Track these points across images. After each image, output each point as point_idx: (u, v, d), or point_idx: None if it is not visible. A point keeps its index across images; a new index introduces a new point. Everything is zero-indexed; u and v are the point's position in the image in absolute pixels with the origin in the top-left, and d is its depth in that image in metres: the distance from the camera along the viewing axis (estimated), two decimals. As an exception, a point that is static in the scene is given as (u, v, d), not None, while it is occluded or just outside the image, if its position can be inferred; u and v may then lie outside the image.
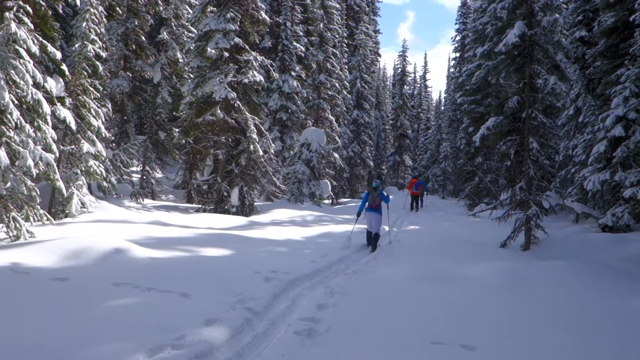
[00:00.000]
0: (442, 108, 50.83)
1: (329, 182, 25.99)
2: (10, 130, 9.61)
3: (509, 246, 11.96)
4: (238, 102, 18.00)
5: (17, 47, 9.60)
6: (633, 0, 13.26)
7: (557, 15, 11.91)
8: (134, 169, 21.23)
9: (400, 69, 53.12)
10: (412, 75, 60.84)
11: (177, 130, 20.24)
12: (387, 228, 15.05)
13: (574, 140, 15.87)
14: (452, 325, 5.62)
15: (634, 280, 8.38)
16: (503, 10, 12.72)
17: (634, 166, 11.66)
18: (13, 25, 9.46)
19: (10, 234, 9.72)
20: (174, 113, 22.55)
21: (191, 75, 20.40)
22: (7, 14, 9.65)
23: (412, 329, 5.47)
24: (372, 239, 11.87)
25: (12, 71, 9.47)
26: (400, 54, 54.00)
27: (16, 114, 9.49)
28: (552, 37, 12.14)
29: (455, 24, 43.34)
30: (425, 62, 63.37)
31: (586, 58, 16.81)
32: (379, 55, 52.03)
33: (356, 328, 5.47)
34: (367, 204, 12.09)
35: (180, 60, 21.25)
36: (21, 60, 9.68)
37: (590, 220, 14.41)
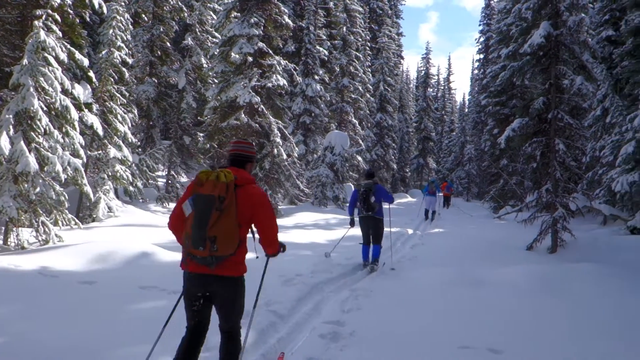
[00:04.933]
0: (466, 110, 50.44)
1: (352, 186, 25.96)
2: (40, 136, 9.81)
3: (535, 249, 11.79)
4: (262, 106, 18.10)
5: (46, 54, 9.80)
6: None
7: (583, 14, 11.74)
8: (160, 173, 21.47)
9: (423, 72, 53.01)
10: (436, 77, 60.58)
11: (201, 134, 20.46)
12: (410, 231, 15.04)
13: (601, 142, 15.58)
14: (480, 329, 5.55)
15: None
16: (528, 10, 12.58)
17: (664, 167, 11.42)
18: (42, 34, 9.66)
19: (40, 238, 9.90)
20: (199, 118, 22.79)
21: (215, 80, 20.59)
22: (36, 22, 9.86)
23: (438, 333, 5.42)
24: (430, 214, 20.42)
25: (41, 78, 9.67)
26: (424, 56, 53.99)
27: (45, 120, 9.68)
28: (579, 37, 11.95)
29: (479, 25, 42.95)
30: (449, 64, 63.29)
31: (613, 58, 16.52)
32: (402, 57, 51.99)
33: (381, 331, 5.44)
34: (427, 191, 20.26)
35: (205, 65, 21.45)
36: (50, 68, 9.87)
37: (618, 222, 14.14)
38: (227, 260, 3.43)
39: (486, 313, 6.19)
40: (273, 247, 3.81)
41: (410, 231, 15.63)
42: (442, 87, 62.73)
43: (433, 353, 4.89)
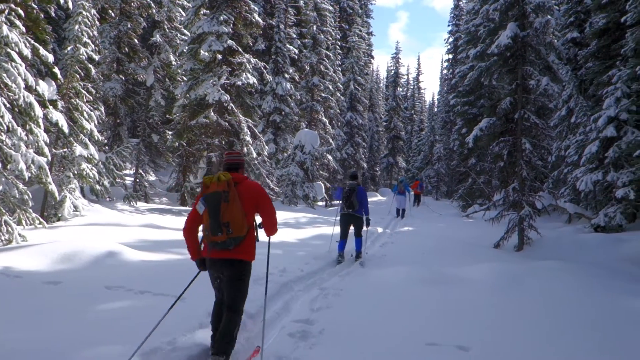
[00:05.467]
0: (436, 109, 50.98)
1: (322, 184, 25.99)
2: (2, 133, 9.57)
3: (502, 247, 11.97)
4: (231, 104, 17.98)
5: (8, 50, 9.57)
6: (624, 1, 13.33)
7: (549, 16, 11.94)
8: (127, 172, 21.17)
9: (393, 71, 53.32)
10: (406, 77, 61.04)
11: (170, 133, 20.21)
12: (380, 229, 15.15)
13: (566, 141, 15.92)
14: (447, 327, 5.60)
15: (629, 280, 8.39)
16: (495, 11, 12.75)
17: (625, 166, 11.70)
18: (5, 28, 9.43)
19: (2, 237, 9.66)
20: (167, 116, 22.50)
21: (184, 78, 20.36)
22: (-2, 16, 9.61)
23: (406, 331, 5.45)
24: (401, 212, 21.36)
25: (4, 74, 9.44)
26: (394, 56, 54.28)
27: (8, 117, 9.45)
28: (544, 39, 12.16)
29: (448, 25, 43.45)
30: (419, 64, 63.51)
31: (578, 59, 16.89)
32: (372, 57, 52.07)
33: (350, 330, 5.45)
34: (397, 190, 21.39)
35: (174, 62, 21.19)
36: (13, 63, 9.64)
37: (582, 221, 14.45)
38: (241, 245, 4.31)
39: (454, 310, 6.25)
40: (273, 229, 4.67)
41: (380, 229, 15.71)
42: (412, 87, 63.26)
43: (402, 350, 4.92)
